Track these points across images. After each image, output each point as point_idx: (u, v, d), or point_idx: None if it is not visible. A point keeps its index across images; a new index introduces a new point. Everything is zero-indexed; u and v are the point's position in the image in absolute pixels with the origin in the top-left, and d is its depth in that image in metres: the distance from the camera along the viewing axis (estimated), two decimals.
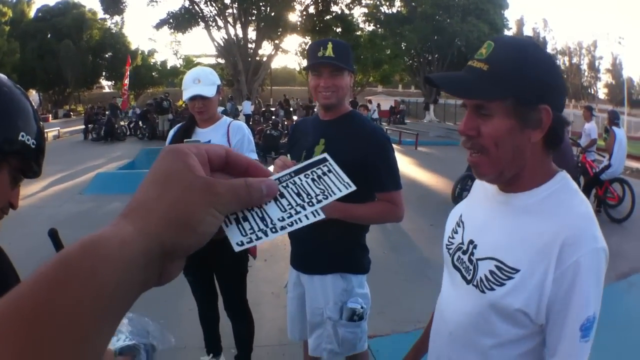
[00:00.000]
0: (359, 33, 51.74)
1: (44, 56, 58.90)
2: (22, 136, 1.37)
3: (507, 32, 50.55)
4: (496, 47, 1.61)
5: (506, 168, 1.63)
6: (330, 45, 3.12)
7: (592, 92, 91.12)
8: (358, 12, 59.72)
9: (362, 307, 3.35)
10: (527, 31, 66.89)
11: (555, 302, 1.56)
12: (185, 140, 4.07)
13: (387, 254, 9.11)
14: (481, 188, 1.93)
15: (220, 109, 30.38)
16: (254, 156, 4.25)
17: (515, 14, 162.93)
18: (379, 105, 41.09)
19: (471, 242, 1.82)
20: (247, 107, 33.14)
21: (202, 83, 4.09)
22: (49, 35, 61.42)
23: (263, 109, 35.16)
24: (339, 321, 3.35)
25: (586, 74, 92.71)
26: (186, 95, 4.13)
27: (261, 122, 28.42)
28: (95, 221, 11.81)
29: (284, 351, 5.39)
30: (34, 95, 69.45)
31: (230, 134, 4.24)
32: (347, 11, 49.98)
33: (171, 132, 4.54)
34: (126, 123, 34.32)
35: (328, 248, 3.37)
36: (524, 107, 1.57)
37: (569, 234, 1.55)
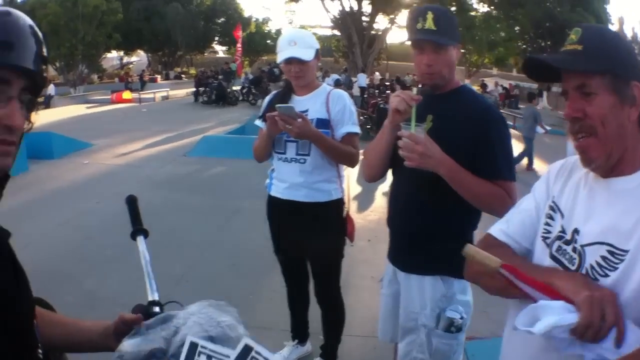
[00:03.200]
0: (473, 13, 51.44)
1: (151, 18, 60.23)
2: None
3: (610, 27, 49.63)
4: (584, 31, 1.69)
5: (614, 149, 1.64)
6: (430, 16, 2.74)
7: None
8: None
9: (461, 318, 2.98)
10: (627, 30, 64.90)
11: None
12: (277, 105, 3.75)
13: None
14: (574, 175, 1.89)
15: (334, 76, 30.01)
16: (355, 129, 3.99)
17: (614, 11, 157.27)
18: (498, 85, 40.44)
19: (576, 230, 1.74)
20: (362, 79, 32.37)
21: (298, 45, 3.82)
22: None
23: (377, 82, 34.28)
24: (434, 330, 3.02)
25: None
26: (281, 57, 3.88)
27: (375, 95, 27.48)
28: (195, 184, 11.72)
29: (375, 344, 4.90)
30: (141, 55, 71.27)
31: (330, 104, 3.97)
32: None
33: (267, 99, 4.33)
34: (239, 88, 34.52)
35: (429, 245, 3.02)
36: (621, 83, 1.62)
37: None
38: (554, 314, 1.46)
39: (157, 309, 1.88)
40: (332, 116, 3.94)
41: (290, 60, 3.83)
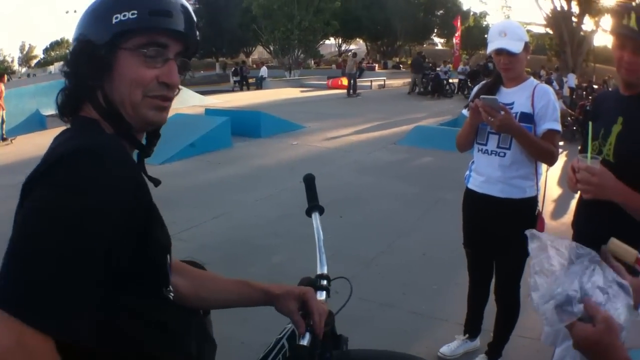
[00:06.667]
0: None
1: (370, 7, 61.51)
2: (116, 18, 1.42)
3: None
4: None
5: None
6: (634, 16, 2.68)
7: None
8: None
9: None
10: None
11: None
12: (481, 96, 3.80)
13: None
14: None
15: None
16: (556, 126, 3.90)
17: None
18: None
19: None
20: (571, 80, 31.51)
21: (507, 37, 3.83)
22: None
23: (585, 84, 32.82)
24: None
25: None
26: (490, 47, 3.92)
27: (583, 96, 26.19)
28: (401, 172, 11.57)
29: (539, 347, 4.78)
30: (360, 43, 72.76)
31: (535, 98, 3.92)
32: None
33: (475, 89, 4.33)
34: (455, 81, 34.37)
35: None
36: None
37: None
38: None
39: (324, 282, 2.03)
40: (536, 111, 3.93)
41: (499, 51, 3.87)
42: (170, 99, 1.51)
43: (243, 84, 39.04)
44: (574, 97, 26.84)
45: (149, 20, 1.40)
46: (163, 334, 1.48)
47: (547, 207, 8.74)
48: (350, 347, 2.00)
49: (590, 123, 2.84)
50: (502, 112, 3.63)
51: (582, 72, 44.32)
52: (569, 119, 18.26)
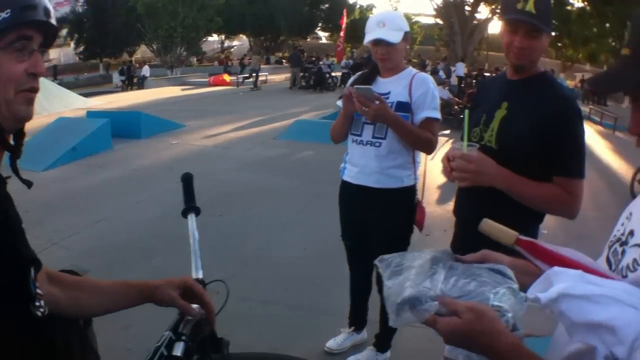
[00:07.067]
0: (569, 8, 51.85)
1: (254, 2, 61.30)
2: None
3: None
4: (634, 26, 1.46)
5: None
6: None
7: None
8: None
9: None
10: None
11: None
12: (355, 86, 3.75)
13: (565, 242, 7.53)
14: None
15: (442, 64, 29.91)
16: (434, 114, 3.94)
17: None
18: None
19: (631, 232, 1.52)
20: (459, 68, 32.79)
21: (386, 27, 3.81)
22: None
23: (475, 72, 33.89)
24: None
25: None
26: (368, 38, 3.88)
27: (473, 85, 26.98)
28: (281, 167, 11.79)
29: (431, 336, 4.55)
30: (243, 40, 72.58)
31: (413, 87, 3.92)
32: None
33: (351, 79, 4.39)
34: (339, 74, 34.79)
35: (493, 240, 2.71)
36: None
37: None
38: (567, 282, 1.29)
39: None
40: (414, 100, 3.91)
41: (377, 42, 3.83)
42: (37, 90, 1.50)
43: (129, 84, 38.60)
44: (462, 85, 28.07)
45: (20, 16, 1.41)
46: (31, 353, 1.46)
47: (432, 196, 9.32)
48: (233, 348, 2.01)
49: (466, 110, 2.92)
50: (377, 102, 3.61)
51: (474, 61, 45.67)
52: (456, 107, 18.99)
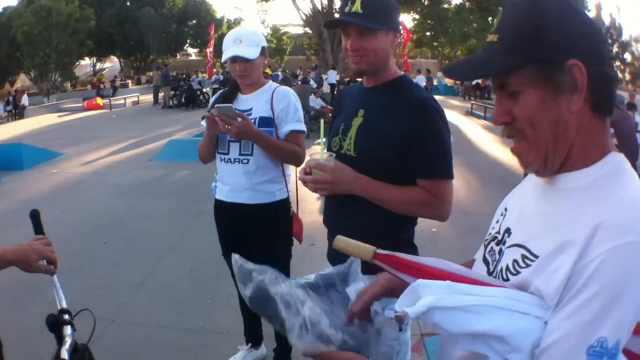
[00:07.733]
0: (446, 5, 52.67)
1: (124, 23, 60.37)
2: None
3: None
4: (504, 12, 1.40)
5: (550, 152, 1.35)
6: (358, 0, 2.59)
7: None
8: None
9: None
10: (605, 16, 65.10)
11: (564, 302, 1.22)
12: (216, 105, 3.70)
13: (459, 238, 7.94)
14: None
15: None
16: (299, 126, 3.95)
17: None
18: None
19: (507, 230, 1.53)
20: (331, 76, 32.70)
21: (243, 44, 3.78)
22: (127, 3, 63.00)
23: (347, 79, 34.84)
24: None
25: None
26: (225, 56, 3.85)
27: None
28: (159, 190, 11.91)
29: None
30: (114, 61, 71.36)
31: (274, 101, 3.93)
32: None
33: (212, 98, 4.32)
34: (209, 90, 34.40)
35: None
36: (549, 70, 1.30)
37: (608, 218, 1.21)
38: (435, 294, 1.25)
39: (66, 316, 2.02)
40: (276, 114, 3.90)
41: (234, 59, 3.81)
42: None
43: (15, 114, 37.72)
44: (335, 93, 28.19)
45: None
46: None
47: (312, 205, 9.30)
48: None
49: (322, 121, 2.76)
50: (239, 119, 3.56)
51: (345, 68, 45.45)
52: (329, 115, 19.71)
